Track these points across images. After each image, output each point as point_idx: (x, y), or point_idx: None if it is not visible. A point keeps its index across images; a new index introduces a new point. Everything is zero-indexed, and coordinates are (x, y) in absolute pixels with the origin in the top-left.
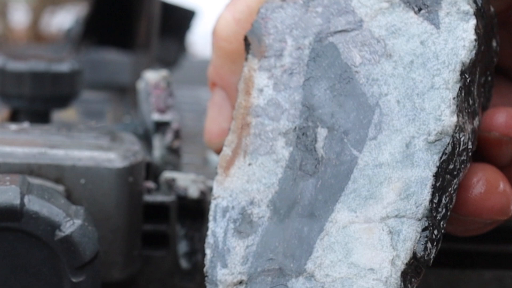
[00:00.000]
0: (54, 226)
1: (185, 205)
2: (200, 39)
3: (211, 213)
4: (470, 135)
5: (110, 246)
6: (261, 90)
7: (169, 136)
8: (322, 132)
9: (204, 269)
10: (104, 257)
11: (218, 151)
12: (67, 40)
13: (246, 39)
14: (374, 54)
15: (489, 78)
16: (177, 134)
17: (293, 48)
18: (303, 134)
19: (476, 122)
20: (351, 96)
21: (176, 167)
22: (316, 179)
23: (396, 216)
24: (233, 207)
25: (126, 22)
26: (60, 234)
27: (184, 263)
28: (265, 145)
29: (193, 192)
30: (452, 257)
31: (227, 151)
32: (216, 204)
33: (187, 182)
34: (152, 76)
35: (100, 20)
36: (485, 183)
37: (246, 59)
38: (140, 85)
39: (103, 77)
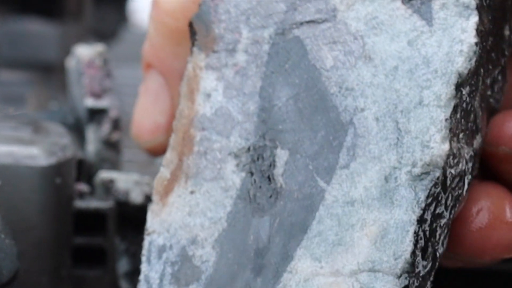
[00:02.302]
0: None
1: (126, 213)
2: (144, 6)
3: (144, 252)
4: (468, 162)
5: (33, 264)
6: (208, 95)
7: (106, 127)
8: (282, 155)
9: None
10: (25, 277)
11: (150, 151)
12: None
13: (191, 25)
14: (349, 55)
15: (499, 77)
16: (116, 124)
17: (249, 42)
18: (258, 156)
19: (477, 140)
20: (319, 109)
21: (115, 165)
22: (273, 215)
23: (369, 270)
24: (171, 246)
25: None
26: None
27: (124, 285)
28: (211, 167)
29: (136, 196)
30: (461, 276)
31: (165, 173)
32: (151, 241)
33: (129, 184)
34: (85, 52)
35: None
36: (487, 213)
37: (191, 52)
38: (70, 63)
39: (23, 53)
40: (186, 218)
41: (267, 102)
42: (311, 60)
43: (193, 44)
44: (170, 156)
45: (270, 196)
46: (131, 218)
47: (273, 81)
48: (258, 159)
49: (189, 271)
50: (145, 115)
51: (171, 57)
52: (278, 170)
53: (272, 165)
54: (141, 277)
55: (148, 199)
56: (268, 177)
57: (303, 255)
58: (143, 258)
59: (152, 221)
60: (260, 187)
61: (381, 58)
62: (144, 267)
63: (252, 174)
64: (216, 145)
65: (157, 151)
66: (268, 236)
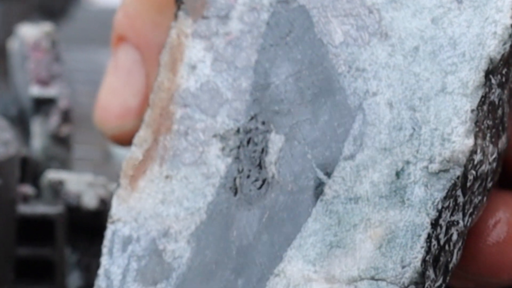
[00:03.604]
0: None
1: (77, 220)
2: None
3: (106, 243)
4: (491, 163)
5: None
6: (193, 67)
7: (54, 119)
8: (276, 140)
9: None
10: None
11: (116, 140)
12: None
13: None
14: (362, 31)
15: None
16: (66, 116)
17: (245, 8)
18: (248, 140)
19: (502, 141)
20: (323, 90)
21: (64, 164)
22: (262, 209)
23: (372, 277)
24: (138, 238)
25: None
26: None
27: None
28: (192, 150)
29: (89, 200)
30: None
31: (136, 153)
32: (115, 231)
33: (81, 186)
34: (30, 32)
35: None
36: (506, 225)
37: (175, 17)
38: (13, 45)
39: None
40: (158, 206)
41: (262, 78)
42: (317, 33)
43: (178, 8)
44: (144, 134)
45: (260, 187)
46: (84, 226)
47: (271, 55)
48: (248, 143)
49: (158, 268)
50: (113, 96)
51: (150, 27)
52: (271, 158)
53: (264, 151)
54: (101, 271)
55: (103, 203)
56: (259, 165)
57: (294, 256)
58: (104, 250)
59: (118, 207)
60: (248, 176)
61: (399, 37)
62: (104, 260)
63: (239, 160)
64: (199, 125)
65: (125, 140)
66: (254, 232)
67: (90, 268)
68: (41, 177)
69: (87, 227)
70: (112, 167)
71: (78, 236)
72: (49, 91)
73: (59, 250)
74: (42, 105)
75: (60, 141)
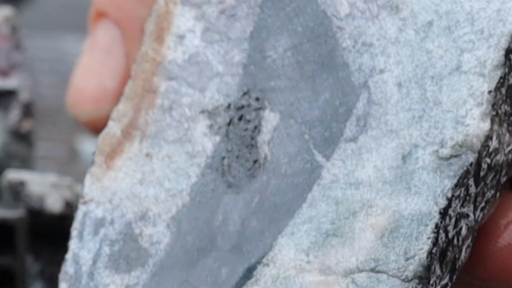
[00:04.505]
0: None
1: (40, 225)
2: None
3: (75, 225)
4: (507, 155)
5: None
6: (181, 37)
7: (15, 113)
8: (270, 118)
9: None
10: None
11: (90, 125)
12: None
13: None
14: (371, 3)
15: None
16: (27, 110)
17: None
18: (240, 117)
19: None
20: (325, 66)
21: (26, 163)
22: (252, 193)
23: (371, 270)
24: (112, 221)
25: None
26: None
27: None
28: (176, 127)
29: (54, 203)
30: None
31: (114, 128)
32: (86, 212)
33: (44, 187)
34: None
35: None
36: None
37: None
38: None
39: None
40: (136, 187)
41: (258, 51)
42: (320, 4)
43: None
44: (123, 107)
45: (250, 168)
46: (47, 232)
47: (268, 26)
48: (239, 120)
49: (133, 253)
50: (89, 77)
51: (132, 1)
52: (264, 137)
53: (257, 129)
54: (69, 255)
55: (69, 206)
56: (250, 144)
57: (286, 245)
58: (74, 232)
59: (91, 187)
60: (237, 156)
61: (412, 10)
62: (74, 243)
63: (229, 138)
64: (185, 100)
65: (100, 126)
66: (242, 218)
67: (54, 278)
68: (0, 178)
69: (51, 232)
70: (78, 166)
71: (41, 243)
72: (9, 82)
73: (20, 258)
74: (1, 97)
75: (21, 137)
